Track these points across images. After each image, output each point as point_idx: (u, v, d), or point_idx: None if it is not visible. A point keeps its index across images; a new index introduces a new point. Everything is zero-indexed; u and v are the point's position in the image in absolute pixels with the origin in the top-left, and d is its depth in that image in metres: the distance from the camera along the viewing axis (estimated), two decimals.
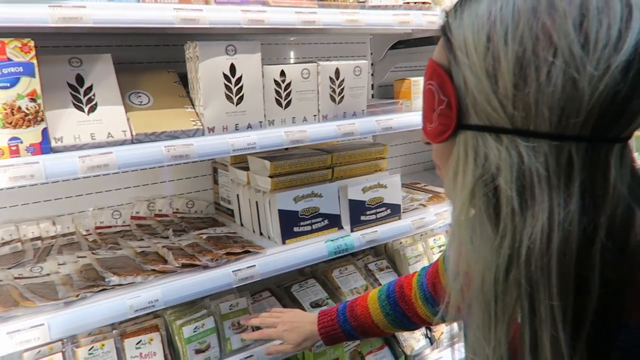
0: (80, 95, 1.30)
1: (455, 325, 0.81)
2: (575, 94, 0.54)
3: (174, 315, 1.56)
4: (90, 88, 1.32)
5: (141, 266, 1.42)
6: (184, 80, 1.52)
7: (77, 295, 1.27)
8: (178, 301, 1.38)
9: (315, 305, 1.79)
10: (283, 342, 1.41)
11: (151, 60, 1.75)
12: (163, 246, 1.51)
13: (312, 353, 1.75)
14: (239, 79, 1.45)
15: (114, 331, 1.47)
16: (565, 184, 0.57)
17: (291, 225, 1.64)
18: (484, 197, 0.62)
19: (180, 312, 1.58)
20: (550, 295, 0.58)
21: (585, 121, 0.55)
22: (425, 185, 2.26)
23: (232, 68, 1.44)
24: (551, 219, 0.57)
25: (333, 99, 1.65)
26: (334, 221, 1.73)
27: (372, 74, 2.32)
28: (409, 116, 1.80)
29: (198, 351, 1.51)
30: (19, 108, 1.16)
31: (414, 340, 1.93)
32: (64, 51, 1.56)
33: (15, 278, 1.35)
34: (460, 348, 0.78)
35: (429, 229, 1.92)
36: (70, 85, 1.30)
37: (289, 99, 1.57)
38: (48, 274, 1.39)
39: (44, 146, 1.20)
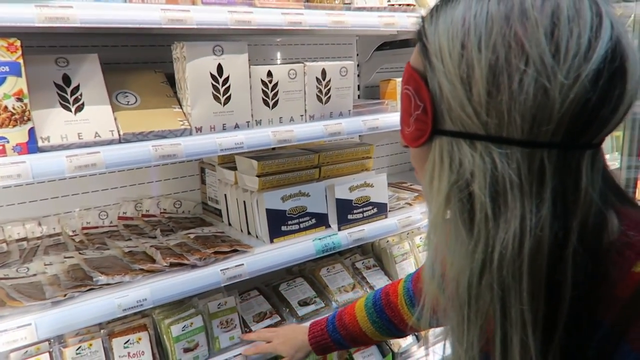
0: (67, 95, 1.30)
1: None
2: (547, 102, 0.55)
3: (163, 315, 1.56)
4: (77, 88, 1.32)
5: (129, 266, 1.42)
6: (171, 80, 1.53)
7: (65, 295, 1.27)
8: (166, 300, 1.39)
9: (303, 303, 1.80)
10: (278, 354, 1.43)
11: (138, 61, 1.75)
12: (151, 246, 1.52)
13: None
14: (227, 79, 1.46)
15: (102, 331, 1.47)
16: (537, 190, 0.58)
17: (279, 224, 1.66)
18: (459, 203, 0.63)
19: (168, 311, 1.58)
20: (521, 299, 0.59)
21: (556, 129, 0.56)
22: (411, 185, 2.29)
23: (220, 68, 1.45)
24: (523, 224, 0.58)
25: (320, 99, 1.67)
26: (321, 220, 1.75)
27: (358, 75, 2.34)
28: (395, 116, 1.82)
29: (187, 350, 1.52)
30: (6, 107, 1.16)
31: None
32: (51, 51, 1.56)
33: (1, 279, 1.35)
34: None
35: (415, 227, 1.95)
36: (57, 85, 1.30)
37: (276, 99, 1.58)
38: (35, 275, 1.39)
39: (31, 146, 1.20)
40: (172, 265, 1.43)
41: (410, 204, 2.01)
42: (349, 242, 1.73)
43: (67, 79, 1.32)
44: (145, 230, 1.73)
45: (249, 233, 1.73)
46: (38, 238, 1.66)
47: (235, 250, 1.55)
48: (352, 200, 1.76)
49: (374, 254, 2.15)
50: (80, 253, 1.50)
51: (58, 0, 1.17)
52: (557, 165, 0.57)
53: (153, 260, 1.45)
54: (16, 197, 1.64)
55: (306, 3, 1.56)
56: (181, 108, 1.46)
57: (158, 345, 1.53)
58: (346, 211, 1.75)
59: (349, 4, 1.66)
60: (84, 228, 1.74)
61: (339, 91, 1.71)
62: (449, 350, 0.73)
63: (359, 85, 2.35)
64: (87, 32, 1.58)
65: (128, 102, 1.41)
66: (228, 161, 1.82)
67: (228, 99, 1.47)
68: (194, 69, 1.41)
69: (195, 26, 1.32)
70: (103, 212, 1.78)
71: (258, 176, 1.63)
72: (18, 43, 1.16)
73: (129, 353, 1.44)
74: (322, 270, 1.95)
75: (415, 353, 2.00)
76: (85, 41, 1.64)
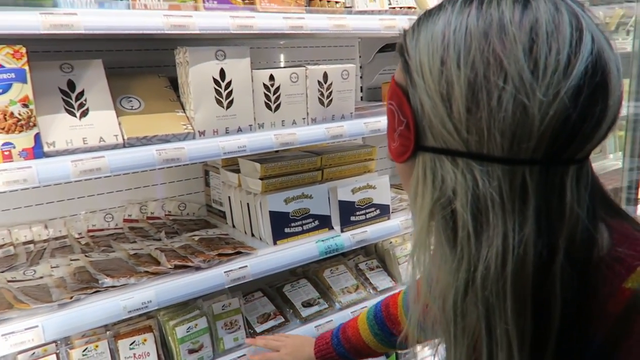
0: (72, 100, 1.32)
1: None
2: (526, 119, 0.54)
3: (168, 316, 1.58)
4: (81, 93, 1.34)
5: (134, 268, 1.44)
6: (174, 84, 1.55)
7: (71, 297, 1.29)
8: (171, 302, 1.40)
9: (307, 304, 1.82)
10: None
11: (142, 65, 1.77)
12: (156, 248, 1.53)
13: None
14: (229, 84, 1.48)
15: (108, 332, 1.49)
16: (520, 208, 0.57)
17: (282, 226, 1.67)
18: (442, 220, 0.62)
19: (173, 312, 1.60)
20: (506, 318, 0.59)
21: (537, 145, 0.55)
22: None
23: (222, 73, 1.46)
24: (505, 243, 0.57)
25: (322, 102, 1.69)
26: (324, 222, 1.76)
27: (361, 77, 2.35)
28: None
29: (191, 351, 1.53)
30: (12, 114, 1.18)
31: None
32: (55, 56, 1.58)
33: (9, 281, 1.37)
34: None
35: None
36: (62, 91, 1.32)
37: (278, 102, 1.59)
38: (41, 277, 1.41)
39: (37, 151, 1.22)
40: (176, 267, 1.44)
41: None
42: (352, 244, 1.74)
43: (71, 85, 1.34)
44: (150, 233, 1.75)
45: (252, 235, 1.75)
46: (45, 241, 1.68)
47: (239, 252, 1.56)
48: (354, 202, 1.77)
49: (377, 255, 2.16)
50: (86, 255, 1.52)
51: (62, 7, 1.19)
52: (540, 182, 0.56)
53: (158, 263, 1.47)
54: (23, 200, 1.66)
55: (308, 7, 1.57)
56: (184, 112, 1.48)
57: (163, 347, 1.54)
58: (349, 213, 1.77)
59: (350, 7, 1.68)
60: (89, 231, 1.76)
61: (341, 94, 1.72)
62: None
63: (361, 87, 2.36)
64: (92, 38, 1.60)
65: (132, 106, 1.43)
66: (232, 164, 1.84)
67: (231, 102, 1.49)
68: (197, 73, 1.42)
69: (197, 32, 1.34)
70: (109, 215, 1.80)
71: (261, 179, 1.64)
72: (23, 50, 1.18)
73: (134, 354, 1.46)
74: (326, 272, 1.97)
75: (419, 353, 2.00)
76: (89, 46, 1.66)
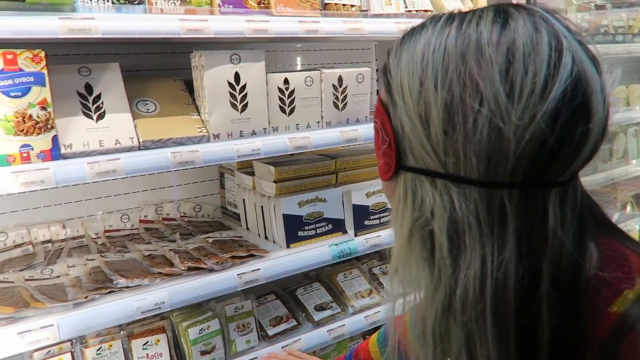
0: (89, 103, 1.35)
1: None
2: (502, 143, 0.53)
3: (180, 317, 1.59)
4: (98, 96, 1.36)
5: (148, 269, 1.45)
6: (190, 87, 1.56)
7: (86, 297, 1.31)
8: (184, 303, 1.42)
9: (319, 308, 1.81)
10: None
11: (158, 68, 1.79)
12: (170, 249, 1.55)
13: (316, 355, 1.78)
14: (244, 87, 1.48)
15: (122, 332, 1.50)
16: (499, 232, 0.55)
17: (296, 229, 1.67)
18: (421, 240, 0.62)
19: (186, 314, 1.61)
20: (486, 344, 0.57)
21: (514, 169, 0.54)
22: None
23: (237, 76, 1.47)
24: (483, 267, 0.56)
25: (336, 106, 1.68)
26: (338, 226, 1.75)
27: (377, 80, 2.34)
28: None
29: (203, 352, 1.54)
30: (30, 116, 1.20)
31: None
32: (74, 60, 1.60)
33: (27, 280, 1.40)
34: None
35: None
36: (80, 94, 1.34)
37: (292, 106, 1.60)
38: (58, 276, 1.44)
39: (54, 153, 1.25)
40: (189, 269, 1.45)
41: None
42: (365, 248, 1.74)
43: (89, 88, 1.36)
44: (166, 234, 1.76)
45: (266, 238, 1.76)
46: (62, 240, 1.71)
47: (252, 255, 1.57)
48: (369, 206, 1.77)
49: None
50: (102, 256, 1.54)
51: (81, 12, 1.21)
52: (520, 205, 0.55)
53: (171, 264, 1.48)
54: (42, 200, 1.70)
55: (323, 11, 1.57)
56: (199, 115, 1.49)
57: (176, 348, 1.56)
58: (363, 217, 1.76)
59: (366, 11, 1.67)
60: (106, 231, 1.79)
61: (356, 97, 1.72)
62: None
63: (377, 90, 2.35)
64: (109, 42, 1.63)
65: (148, 109, 1.45)
66: (247, 166, 1.85)
67: (245, 106, 1.50)
68: (212, 77, 1.43)
69: (212, 35, 1.35)
70: (125, 216, 1.83)
71: (275, 182, 1.65)
72: (42, 54, 1.21)
73: (147, 354, 1.48)
74: (339, 276, 1.96)
75: None
76: (107, 49, 1.69)
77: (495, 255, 0.55)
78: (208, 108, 1.45)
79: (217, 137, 1.47)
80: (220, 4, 1.40)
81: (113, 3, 1.27)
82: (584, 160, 0.56)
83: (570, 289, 0.57)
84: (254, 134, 1.53)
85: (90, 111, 1.34)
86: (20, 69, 1.19)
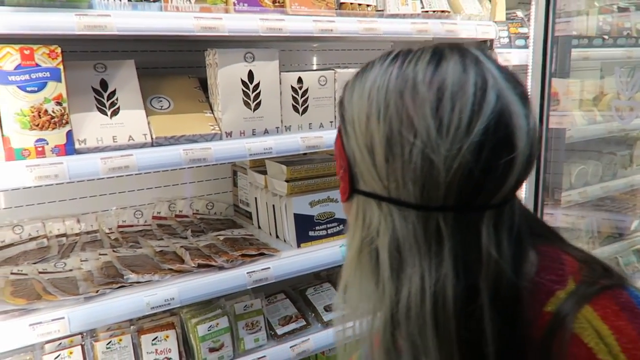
0: (104, 99, 1.36)
1: None
2: (433, 172, 0.58)
3: (190, 314, 1.60)
4: (113, 92, 1.38)
5: (159, 265, 1.46)
6: (204, 85, 1.57)
7: (97, 291, 1.32)
8: (193, 300, 1.42)
9: (329, 309, 1.81)
10: None
11: (174, 65, 1.80)
12: (181, 246, 1.56)
13: (325, 356, 1.79)
14: (257, 86, 1.49)
15: (132, 327, 1.52)
16: (436, 250, 0.61)
17: (306, 229, 1.67)
18: (368, 256, 0.67)
19: (195, 310, 1.62)
20: (428, 355, 0.61)
21: (446, 194, 0.59)
22: None
23: (250, 75, 1.47)
24: (422, 283, 0.61)
25: None
26: None
27: None
28: None
29: (212, 349, 1.55)
30: (46, 111, 1.22)
31: None
32: (90, 56, 1.63)
33: (40, 272, 1.42)
34: None
35: None
36: (95, 90, 1.36)
37: (305, 105, 1.60)
38: (71, 270, 1.46)
39: (68, 148, 1.26)
40: (200, 266, 1.46)
41: None
42: None
43: (104, 84, 1.37)
44: (178, 231, 1.77)
45: (277, 237, 1.76)
46: (76, 234, 1.73)
47: (262, 254, 1.57)
48: None
49: None
50: (114, 251, 1.56)
51: (97, 9, 1.22)
52: (455, 226, 0.60)
53: (182, 261, 1.49)
54: (57, 195, 1.72)
55: (338, 10, 1.57)
56: (212, 113, 1.50)
57: (185, 344, 1.57)
58: None
59: (382, 11, 1.66)
60: (120, 226, 1.80)
61: None
62: None
63: None
64: (125, 39, 1.64)
65: (162, 106, 1.46)
66: (259, 165, 1.85)
67: (258, 104, 1.50)
68: (226, 75, 1.44)
69: (227, 34, 1.35)
70: (138, 212, 1.84)
71: (287, 181, 1.65)
72: (59, 50, 1.22)
73: (156, 350, 1.49)
74: None
75: None
76: (122, 47, 1.70)
77: (433, 272, 0.61)
78: (221, 106, 1.45)
79: (229, 135, 1.47)
80: (235, 2, 1.41)
81: (129, 0, 1.28)
82: (512, 186, 0.61)
83: (511, 298, 0.61)
84: (266, 132, 1.53)
85: (105, 107, 1.35)
86: (37, 64, 1.20)
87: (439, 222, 0.61)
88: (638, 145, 2.87)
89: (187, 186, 1.95)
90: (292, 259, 1.59)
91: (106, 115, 1.35)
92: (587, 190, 2.27)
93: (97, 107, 1.35)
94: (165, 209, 1.89)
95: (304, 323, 1.74)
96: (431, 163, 0.58)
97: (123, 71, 1.41)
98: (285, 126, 1.58)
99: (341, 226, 1.73)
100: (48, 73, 1.21)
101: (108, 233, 1.75)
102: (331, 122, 1.66)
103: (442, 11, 1.78)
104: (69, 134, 1.26)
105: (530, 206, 2.01)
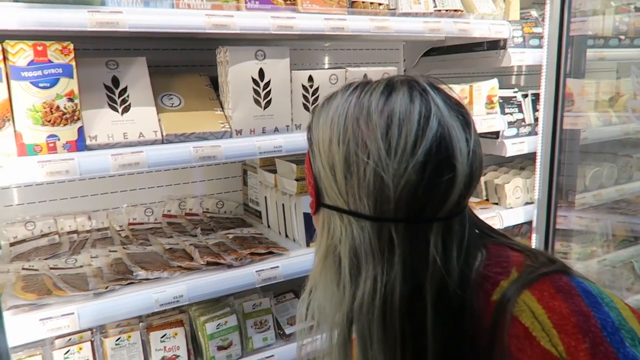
0: (115, 96, 1.37)
1: None
2: (383, 187, 0.67)
3: (199, 312, 1.60)
4: (125, 89, 1.38)
5: (168, 262, 1.46)
6: (215, 83, 1.57)
7: (106, 287, 1.32)
8: (202, 298, 1.42)
9: None
10: None
11: (184, 64, 1.81)
12: (190, 244, 1.56)
13: None
14: (267, 84, 1.48)
15: (141, 324, 1.52)
16: (388, 256, 0.69)
17: None
18: (331, 262, 0.76)
19: (204, 308, 1.62)
20: (372, 347, 0.70)
21: (396, 207, 0.67)
22: None
23: (261, 73, 1.47)
24: (374, 284, 0.69)
25: None
26: None
27: None
28: None
29: (220, 348, 1.55)
30: (58, 107, 1.23)
31: None
32: (102, 54, 1.63)
33: (51, 268, 1.43)
34: None
35: None
36: (106, 87, 1.37)
37: (316, 103, 1.59)
38: (81, 266, 1.46)
39: (80, 144, 1.27)
40: (208, 264, 1.46)
41: None
42: None
43: (116, 81, 1.38)
44: (187, 229, 1.78)
45: (286, 236, 1.75)
46: (87, 231, 1.74)
47: (271, 253, 1.57)
48: None
49: None
50: (124, 248, 1.56)
51: (109, 5, 1.23)
52: (405, 236, 0.68)
53: (191, 258, 1.49)
54: (69, 192, 1.73)
55: (350, 9, 1.56)
56: (223, 111, 1.50)
57: (193, 342, 1.56)
58: None
59: (394, 9, 1.65)
60: (130, 224, 1.81)
61: None
62: None
63: None
64: (136, 36, 1.65)
65: (172, 104, 1.46)
66: (269, 164, 1.85)
67: (268, 102, 1.50)
68: (236, 73, 1.44)
69: (238, 31, 1.35)
70: (149, 209, 1.85)
71: (297, 180, 1.64)
72: (71, 46, 1.23)
73: (165, 347, 1.49)
74: None
75: None
76: (134, 45, 1.71)
77: (385, 275, 0.69)
78: (232, 104, 1.45)
79: (239, 132, 1.47)
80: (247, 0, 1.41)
81: None
82: (455, 202, 0.68)
83: (456, 298, 0.68)
84: (276, 130, 1.53)
85: (116, 104, 1.36)
86: (50, 61, 1.21)
87: (391, 232, 0.68)
88: None
89: (197, 185, 1.96)
90: (301, 258, 1.58)
91: (117, 112, 1.35)
92: (601, 192, 2.23)
93: (109, 104, 1.35)
94: (175, 207, 1.90)
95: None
96: (382, 180, 0.66)
97: (134, 68, 1.41)
98: (296, 124, 1.57)
99: None
100: (60, 69, 1.22)
101: (118, 230, 1.76)
102: None
103: (455, 10, 1.77)
104: (80, 130, 1.27)
105: (543, 208, 1.98)
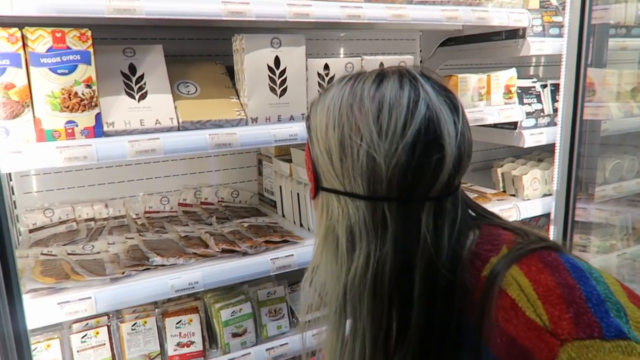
0: (132, 83, 1.38)
1: None
2: (376, 168, 0.71)
3: (214, 299, 1.61)
4: (141, 77, 1.39)
5: (184, 249, 1.47)
6: (231, 72, 1.57)
7: (123, 273, 1.34)
8: (217, 285, 1.43)
9: None
10: None
11: (202, 53, 1.81)
12: (206, 232, 1.57)
13: None
14: (283, 71, 1.48)
15: (156, 310, 1.53)
16: (381, 234, 0.73)
17: None
18: (331, 241, 0.80)
19: (219, 296, 1.63)
20: (361, 316, 0.75)
21: (389, 187, 0.72)
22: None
23: (277, 60, 1.47)
24: (367, 259, 0.74)
25: None
26: None
27: None
28: None
29: (235, 335, 1.55)
30: (76, 93, 1.24)
31: None
32: (119, 43, 1.64)
33: (69, 254, 1.45)
34: None
35: None
36: (123, 74, 1.38)
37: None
38: (98, 252, 1.48)
39: (97, 130, 1.28)
40: (224, 251, 1.47)
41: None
42: None
43: (133, 69, 1.39)
44: (203, 217, 1.79)
45: (301, 225, 1.75)
46: (104, 219, 1.76)
47: (286, 241, 1.57)
48: None
49: None
50: (140, 235, 1.58)
51: None
52: (398, 214, 0.73)
53: (206, 246, 1.50)
54: (86, 180, 1.75)
55: None
56: (238, 99, 1.50)
57: (208, 328, 1.58)
58: None
59: None
60: (146, 212, 1.83)
61: None
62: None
63: None
64: (154, 25, 1.66)
65: (188, 91, 1.46)
66: (285, 154, 1.85)
67: (284, 90, 1.49)
68: (252, 60, 1.44)
69: (254, 18, 1.35)
70: (164, 198, 1.86)
71: None
72: (89, 33, 1.24)
73: (180, 333, 1.50)
74: None
75: None
76: (152, 34, 1.72)
77: (377, 251, 0.74)
78: (247, 91, 1.45)
79: (255, 120, 1.47)
80: None
81: None
82: (445, 182, 0.72)
83: (452, 268, 0.73)
84: (292, 119, 1.53)
85: (133, 91, 1.37)
86: (68, 47, 1.22)
87: (384, 211, 0.73)
88: None
89: (212, 174, 1.97)
90: None
91: (134, 99, 1.36)
92: (622, 185, 2.19)
93: (126, 91, 1.36)
94: (191, 196, 1.91)
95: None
96: (374, 161, 0.71)
97: (151, 56, 1.42)
98: None
99: None
100: (78, 56, 1.23)
101: (135, 218, 1.78)
102: None
103: None
104: (98, 117, 1.28)
105: (561, 200, 1.95)
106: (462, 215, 0.77)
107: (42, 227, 1.67)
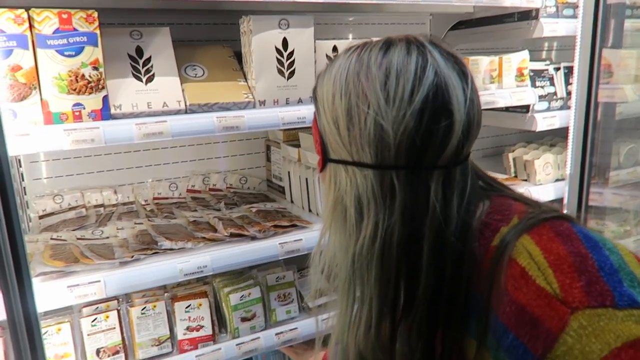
0: (139, 66, 1.37)
1: None
2: (384, 135, 0.70)
3: (222, 283, 1.61)
4: (148, 59, 1.38)
5: (192, 233, 1.47)
6: (238, 56, 1.55)
7: (132, 256, 1.34)
8: (225, 269, 1.42)
9: None
10: None
11: (207, 38, 1.80)
12: (214, 217, 1.56)
13: None
14: (291, 54, 1.46)
15: (166, 294, 1.53)
16: (389, 203, 0.73)
17: None
18: (339, 211, 0.79)
19: (228, 280, 1.62)
20: (369, 285, 0.75)
21: (397, 154, 0.71)
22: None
23: (285, 42, 1.45)
24: (376, 229, 0.73)
25: None
26: None
27: None
28: None
29: (244, 319, 1.55)
30: (83, 75, 1.23)
31: None
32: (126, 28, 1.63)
33: (78, 239, 1.45)
34: None
35: None
36: (130, 57, 1.36)
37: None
38: (107, 237, 1.48)
39: (104, 113, 1.27)
40: (232, 235, 1.46)
41: None
42: None
43: (140, 51, 1.38)
44: (211, 203, 1.78)
45: (310, 210, 1.74)
46: (113, 205, 1.76)
47: (294, 225, 1.56)
48: None
49: None
50: (149, 220, 1.57)
51: None
52: (406, 183, 0.72)
53: (215, 230, 1.49)
54: (95, 166, 1.75)
55: None
56: (246, 81, 1.49)
57: (217, 312, 1.57)
58: None
59: None
60: (155, 198, 1.83)
61: None
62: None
63: None
64: (161, 9, 1.64)
65: (196, 74, 1.45)
66: (293, 139, 1.83)
67: (292, 73, 1.48)
68: (260, 42, 1.42)
69: None
70: (173, 184, 1.86)
71: None
72: (95, 15, 1.23)
73: (189, 317, 1.50)
74: None
75: None
76: (159, 18, 1.70)
77: (386, 220, 0.73)
78: (255, 74, 1.44)
79: (262, 103, 1.46)
80: None
81: None
82: (454, 150, 0.71)
83: (463, 238, 0.72)
84: (300, 102, 1.51)
85: (140, 74, 1.36)
86: (75, 29, 1.21)
87: (392, 179, 0.72)
88: None
89: (221, 160, 1.96)
90: None
91: (141, 81, 1.35)
92: (637, 170, 2.15)
93: (133, 74, 1.35)
94: (199, 182, 1.91)
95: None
96: (382, 128, 0.70)
97: (158, 39, 1.41)
98: None
99: None
100: (85, 37, 1.22)
101: (144, 204, 1.78)
102: None
103: None
104: (105, 99, 1.27)
105: (575, 185, 1.92)
106: (472, 186, 0.76)
107: (51, 213, 1.67)
